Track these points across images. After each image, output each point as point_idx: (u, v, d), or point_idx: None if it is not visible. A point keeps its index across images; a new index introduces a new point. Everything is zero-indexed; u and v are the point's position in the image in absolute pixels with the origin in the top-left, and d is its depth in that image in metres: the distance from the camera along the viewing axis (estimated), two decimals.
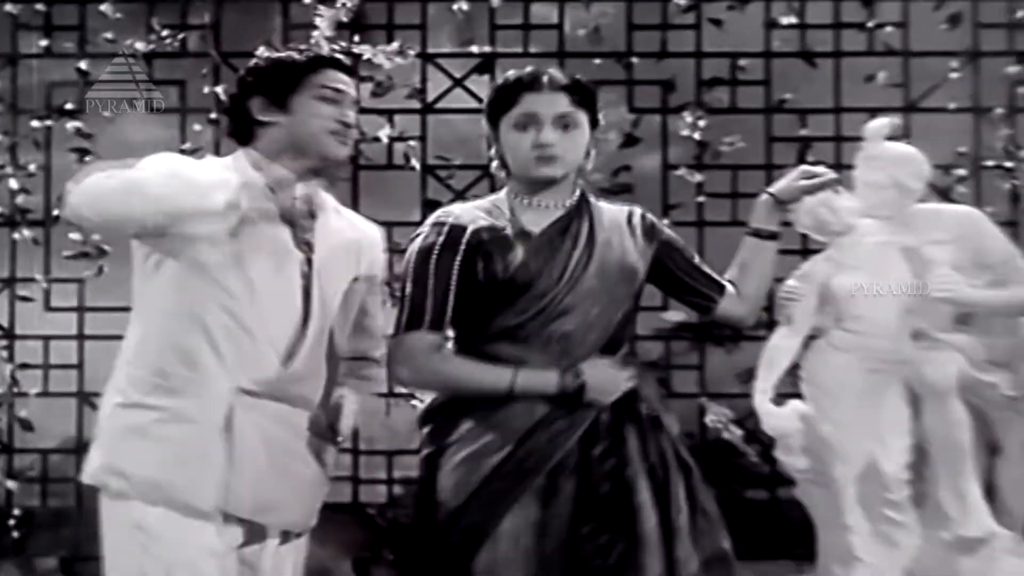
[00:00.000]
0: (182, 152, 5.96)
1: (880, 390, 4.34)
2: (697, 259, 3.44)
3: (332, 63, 3.51)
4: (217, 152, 6.02)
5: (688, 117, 5.99)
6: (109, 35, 6.08)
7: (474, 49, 6.10)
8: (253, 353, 3.26)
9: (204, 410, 3.25)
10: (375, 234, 3.62)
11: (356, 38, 6.01)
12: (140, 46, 6.07)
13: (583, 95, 3.37)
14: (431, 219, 3.39)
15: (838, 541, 4.36)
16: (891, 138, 4.52)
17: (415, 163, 6.04)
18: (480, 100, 6.07)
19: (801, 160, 5.93)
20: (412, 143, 6.08)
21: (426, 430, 3.33)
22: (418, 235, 3.38)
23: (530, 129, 3.34)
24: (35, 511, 6.01)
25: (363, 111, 5.88)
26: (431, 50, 6.13)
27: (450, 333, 3.37)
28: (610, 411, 3.21)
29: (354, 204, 5.85)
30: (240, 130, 3.48)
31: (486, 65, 6.08)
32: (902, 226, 4.41)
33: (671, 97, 6.08)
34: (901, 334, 4.36)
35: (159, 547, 3.23)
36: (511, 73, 3.42)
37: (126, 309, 5.91)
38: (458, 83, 6.11)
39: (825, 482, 4.37)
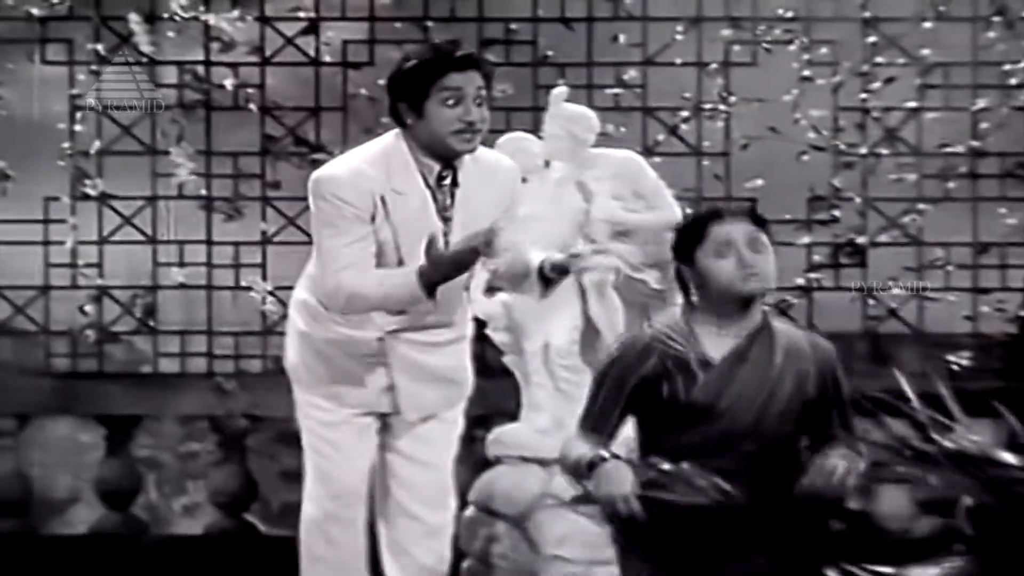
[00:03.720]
0: (71, 97, 7.43)
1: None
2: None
3: (452, 64, 4.03)
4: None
5: None
6: (11, 1, 7.25)
7: (301, 14, 7.34)
8: None
9: (359, 340, 4.24)
10: (506, 164, 4.33)
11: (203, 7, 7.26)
12: (36, 11, 7.27)
13: (762, 221, 3.66)
14: (630, 335, 3.86)
15: (532, 394, 5.93)
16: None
17: (253, 106, 7.35)
18: (307, 56, 7.55)
19: None
20: (251, 90, 7.33)
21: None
22: (617, 343, 3.80)
23: (728, 254, 3.56)
24: None
25: (211, 64, 7.43)
26: (268, 15, 7.36)
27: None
28: None
29: (207, 140, 7.30)
30: (394, 116, 4.16)
31: (311, 27, 7.36)
32: (577, 166, 5.87)
33: None
34: (574, 245, 5.91)
35: (324, 422, 4.35)
36: (690, 217, 3.86)
37: (29, 221, 7.55)
38: (289, 41, 7.36)
39: (520, 351, 5.96)
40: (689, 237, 3.62)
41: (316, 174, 4.18)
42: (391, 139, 4.16)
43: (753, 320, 3.61)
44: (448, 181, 4.13)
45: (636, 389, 3.57)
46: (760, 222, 3.65)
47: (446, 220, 4.16)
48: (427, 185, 4.13)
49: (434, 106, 4.00)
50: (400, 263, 4.15)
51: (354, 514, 4.44)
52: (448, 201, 4.13)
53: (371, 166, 4.08)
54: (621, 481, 3.43)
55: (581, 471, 3.54)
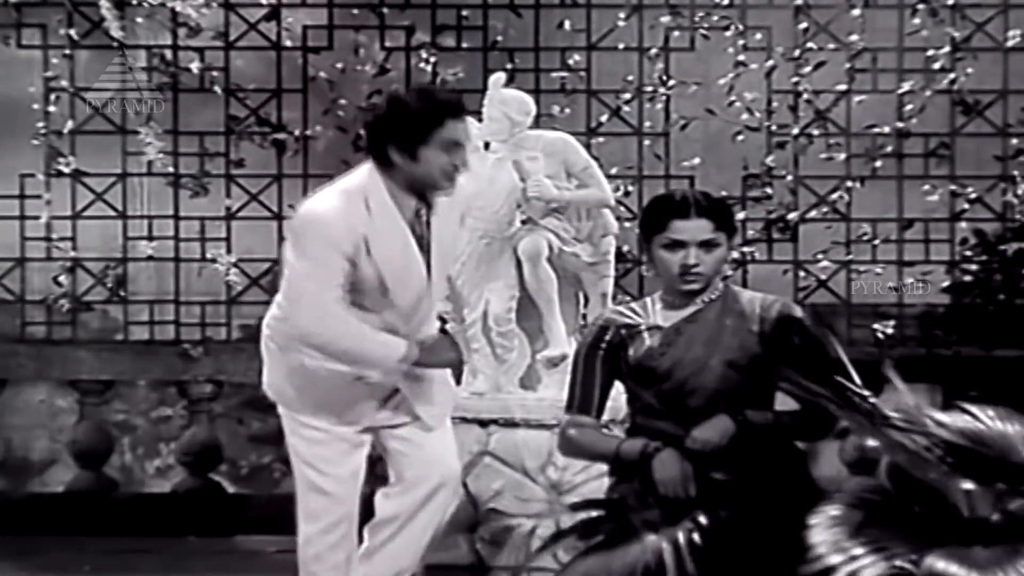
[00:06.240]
0: (46, 79, 7.78)
1: (494, 258, 6.27)
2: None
3: (452, 113, 4.20)
4: (72, 78, 7.79)
5: (424, 54, 7.68)
6: None
7: (263, 1, 7.66)
8: (384, 327, 4.30)
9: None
10: (459, 182, 4.34)
11: None
12: None
13: (722, 218, 3.83)
14: (593, 320, 4.10)
15: (471, 359, 6.31)
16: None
17: (218, 88, 7.70)
18: (269, 40, 7.90)
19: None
20: (216, 73, 7.68)
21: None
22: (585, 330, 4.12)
23: (678, 251, 3.79)
24: None
25: (178, 48, 7.76)
26: (232, 1, 7.70)
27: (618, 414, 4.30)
28: None
29: (175, 121, 7.67)
30: (376, 154, 4.19)
31: (273, 13, 7.71)
32: (514, 146, 6.24)
33: (412, 39, 7.69)
34: (510, 220, 6.27)
35: (312, 438, 4.42)
36: (661, 197, 3.94)
37: (6, 196, 7.84)
38: (252, 26, 7.71)
39: (461, 320, 6.37)
40: (650, 224, 3.86)
41: (301, 212, 4.24)
42: (365, 178, 4.23)
43: (709, 292, 3.90)
44: (424, 216, 4.30)
45: (604, 363, 3.90)
46: (723, 218, 3.85)
47: (423, 249, 4.32)
48: (405, 220, 4.26)
49: (431, 151, 4.14)
50: (385, 297, 4.30)
51: (348, 528, 4.53)
52: (424, 231, 4.29)
53: (352, 205, 4.15)
54: (678, 467, 3.71)
55: (625, 459, 3.79)
